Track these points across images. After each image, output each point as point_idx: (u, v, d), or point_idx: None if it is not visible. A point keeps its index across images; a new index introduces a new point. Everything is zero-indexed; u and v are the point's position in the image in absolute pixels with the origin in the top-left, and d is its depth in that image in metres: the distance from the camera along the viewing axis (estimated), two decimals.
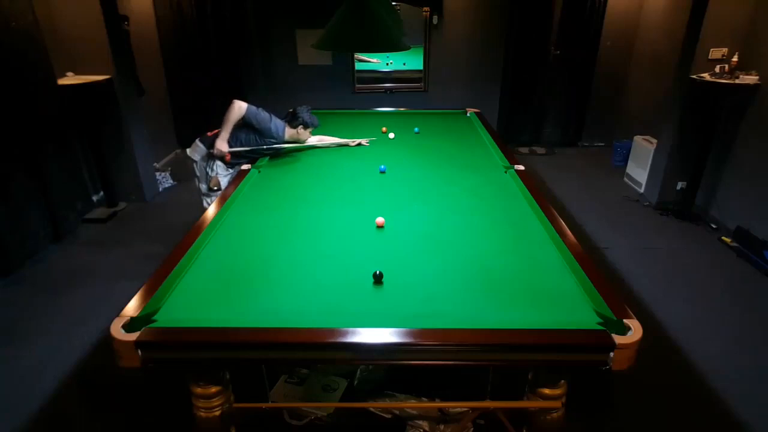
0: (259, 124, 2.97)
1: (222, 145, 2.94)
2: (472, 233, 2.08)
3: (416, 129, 3.69)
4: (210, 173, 3.06)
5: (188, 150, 3.11)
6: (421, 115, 4.29)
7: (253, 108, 2.97)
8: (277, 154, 3.17)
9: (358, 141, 3.38)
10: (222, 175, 3.07)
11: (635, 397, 2.35)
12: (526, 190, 2.47)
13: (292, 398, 2.11)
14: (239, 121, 2.95)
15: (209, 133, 3.08)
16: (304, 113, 3.11)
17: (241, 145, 3.00)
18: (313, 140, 3.33)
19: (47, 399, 2.31)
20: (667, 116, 4.41)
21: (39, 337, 2.73)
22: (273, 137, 3.03)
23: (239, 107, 2.91)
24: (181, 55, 5.73)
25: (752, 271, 3.44)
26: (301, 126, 3.10)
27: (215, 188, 3.06)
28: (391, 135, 3.53)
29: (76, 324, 2.82)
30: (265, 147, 3.06)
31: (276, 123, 3.04)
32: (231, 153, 2.97)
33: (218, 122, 3.15)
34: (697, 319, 2.92)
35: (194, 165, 3.12)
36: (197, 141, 3.09)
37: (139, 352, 1.36)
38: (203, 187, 3.15)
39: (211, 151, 2.98)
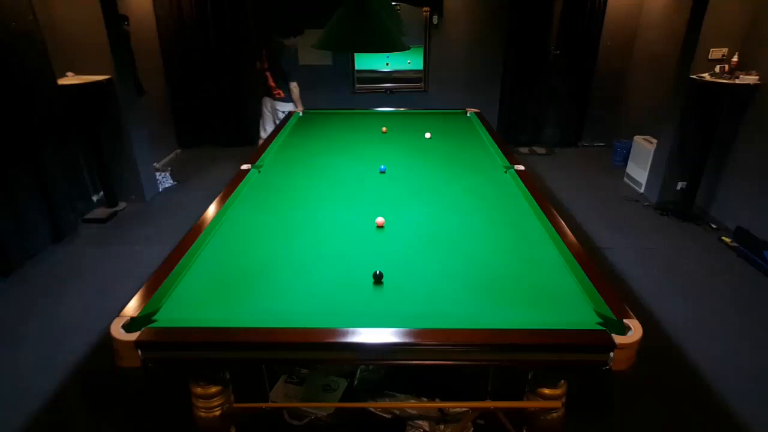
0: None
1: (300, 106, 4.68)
2: (472, 233, 2.08)
3: (428, 134, 3.53)
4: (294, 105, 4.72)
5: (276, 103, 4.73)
6: (420, 115, 4.28)
7: (293, 79, 4.61)
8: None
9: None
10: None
11: (635, 397, 2.35)
12: (526, 190, 2.46)
13: (292, 398, 2.11)
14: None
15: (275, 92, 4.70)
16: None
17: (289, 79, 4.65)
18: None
19: (47, 399, 2.31)
20: (667, 116, 4.42)
21: (39, 337, 2.73)
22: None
23: (294, 86, 4.62)
24: (181, 55, 5.73)
25: (752, 271, 3.44)
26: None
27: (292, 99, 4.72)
28: (427, 135, 3.50)
29: (76, 324, 2.82)
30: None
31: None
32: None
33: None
34: (697, 319, 2.92)
35: (265, 110, 4.84)
36: (271, 100, 4.75)
37: (139, 352, 1.36)
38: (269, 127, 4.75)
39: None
